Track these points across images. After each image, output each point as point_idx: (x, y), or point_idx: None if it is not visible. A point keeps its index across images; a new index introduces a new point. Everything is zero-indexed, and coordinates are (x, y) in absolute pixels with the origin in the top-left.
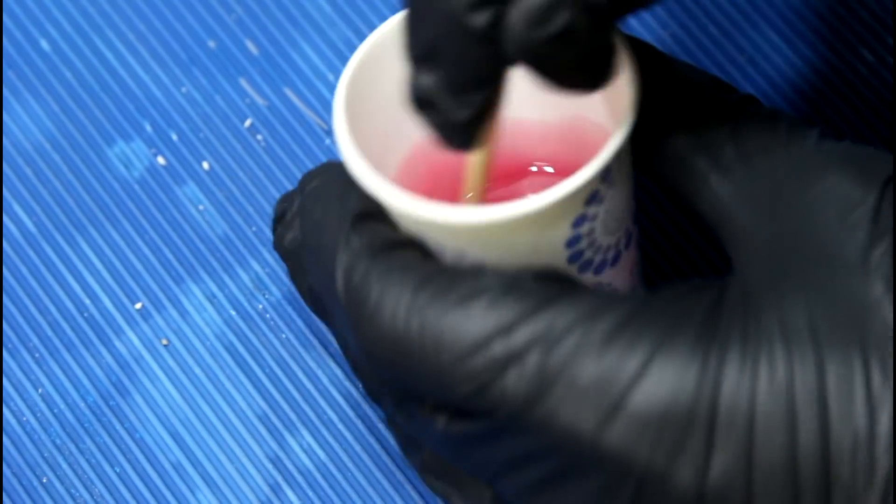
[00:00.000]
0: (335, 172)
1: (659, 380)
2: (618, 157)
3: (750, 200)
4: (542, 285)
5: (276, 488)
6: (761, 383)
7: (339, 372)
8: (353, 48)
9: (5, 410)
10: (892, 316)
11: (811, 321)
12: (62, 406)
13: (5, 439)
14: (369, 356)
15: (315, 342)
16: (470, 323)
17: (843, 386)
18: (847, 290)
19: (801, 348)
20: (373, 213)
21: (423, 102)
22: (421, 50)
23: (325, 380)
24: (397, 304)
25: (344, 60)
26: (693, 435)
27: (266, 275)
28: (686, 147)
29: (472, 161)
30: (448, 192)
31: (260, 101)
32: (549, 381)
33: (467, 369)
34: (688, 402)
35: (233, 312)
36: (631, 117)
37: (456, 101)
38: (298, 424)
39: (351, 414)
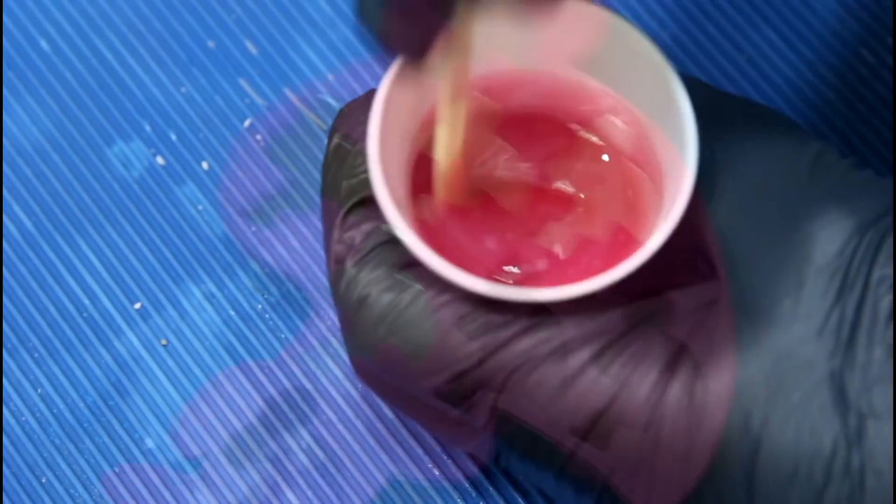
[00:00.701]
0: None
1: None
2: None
3: (735, 236)
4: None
5: (275, 488)
6: (697, 441)
7: (337, 372)
8: (352, 48)
9: (5, 410)
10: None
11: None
12: (61, 406)
13: (4, 439)
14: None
15: (314, 342)
16: (452, 351)
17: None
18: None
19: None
20: (366, 200)
21: (370, 20)
22: None
23: (324, 380)
24: (377, 322)
25: (344, 60)
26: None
27: (265, 275)
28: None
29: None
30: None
31: (259, 101)
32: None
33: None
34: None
35: (232, 312)
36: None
37: (407, 22)
38: (297, 424)
39: (350, 414)
